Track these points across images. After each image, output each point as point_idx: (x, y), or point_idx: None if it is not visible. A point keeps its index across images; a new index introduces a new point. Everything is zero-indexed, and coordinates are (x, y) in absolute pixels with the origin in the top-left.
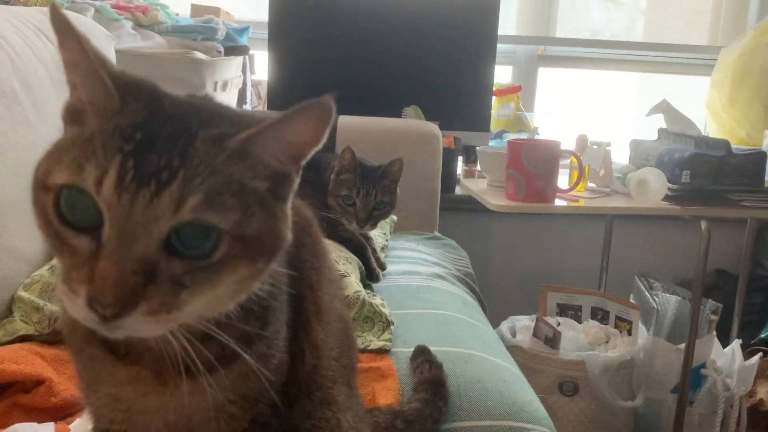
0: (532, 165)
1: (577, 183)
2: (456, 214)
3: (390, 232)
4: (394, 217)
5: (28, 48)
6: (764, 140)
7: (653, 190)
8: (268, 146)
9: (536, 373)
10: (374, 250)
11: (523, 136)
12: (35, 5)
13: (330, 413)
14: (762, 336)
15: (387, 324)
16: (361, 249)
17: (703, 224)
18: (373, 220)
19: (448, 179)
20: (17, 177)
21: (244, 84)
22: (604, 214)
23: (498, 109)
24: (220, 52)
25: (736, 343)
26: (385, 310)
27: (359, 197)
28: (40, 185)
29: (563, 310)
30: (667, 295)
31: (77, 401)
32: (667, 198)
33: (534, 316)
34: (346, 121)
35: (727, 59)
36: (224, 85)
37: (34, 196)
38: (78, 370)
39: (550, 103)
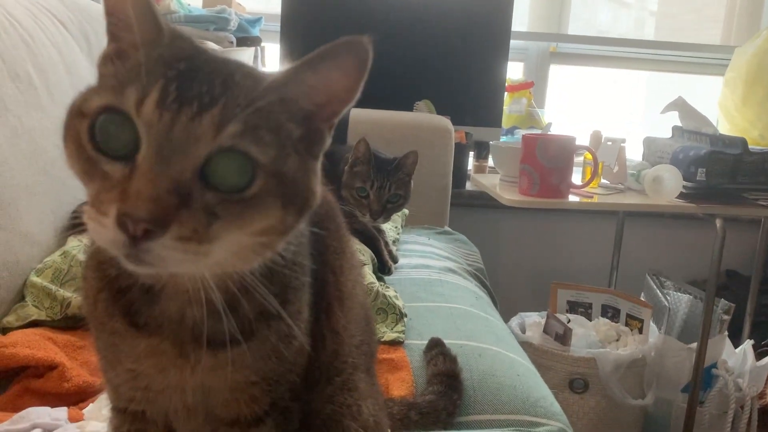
0: (546, 160)
1: (591, 179)
2: (466, 210)
3: (402, 226)
4: (405, 211)
5: (42, 33)
6: None
7: (668, 187)
8: (302, 86)
9: (546, 370)
10: (386, 243)
11: (535, 132)
12: None
13: (351, 399)
14: None
15: (400, 316)
16: (373, 241)
17: (718, 223)
18: (386, 212)
19: (459, 174)
20: (30, 161)
21: None
22: (615, 211)
23: (510, 105)
24: (232, 42)
25: (747, 344)
26: (399, 302)
27: (373, 189)
28: (76, 113)
29: (573, 308)
30: (679, 294)
31: (90, 386)
32: (681, 196)
33: (544, 313)
34: (357, 113)
35: (740, 59)
36: None
37: (68, 125)
38: (98, 347)
39: (561, 100)
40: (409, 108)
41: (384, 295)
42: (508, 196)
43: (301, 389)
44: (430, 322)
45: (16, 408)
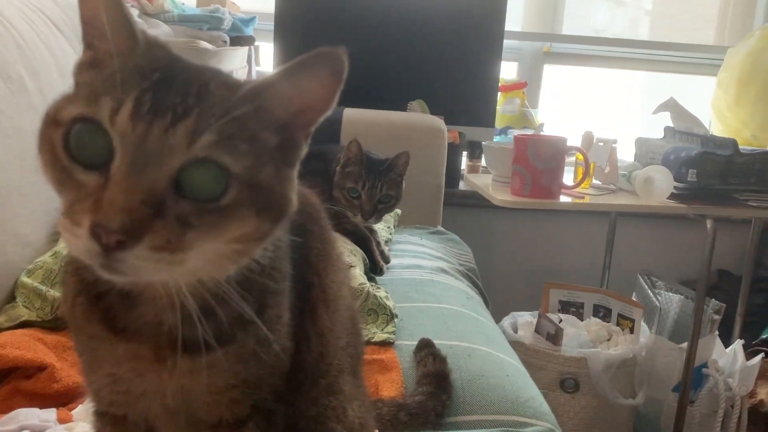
0: (538, 161)
1: (582, 180)
2: (459, 210)
3: (394, 226)
4: (398, 211)
5: (35, 33)
6: None
7: (659, 188)
8: (278, 96)
9: (537, 370)
10: (378, 243)
11: (528, 132)
12: None
13: (336, 401)
14: (764, 337)
15: (391, 316)
16: (365, 241)
17: (709, 223)
18: (378, 213)
19: (452, 174)
20: (22, 162)
21: (249, 75)
22: (607, 211)
23: (503, 105)
24: (225, 42)
25: (738, 344)
26: (389, 303)
27: (365, 190)
28: (51, 121)
29: (565, 307)
30: (670, 294)
31: (79, 387)
32: (672, 196)
33: (536, 313)
34: (351, 113)
35: (733, 59)
36: None
37: (42, 134)
38: (78, 350)
39: (554, 100)
40: (403, 108)
41: (375, 296)
42: (500, 196)
43: (284, 392)
44: (420, 323)
45: (5, 409)
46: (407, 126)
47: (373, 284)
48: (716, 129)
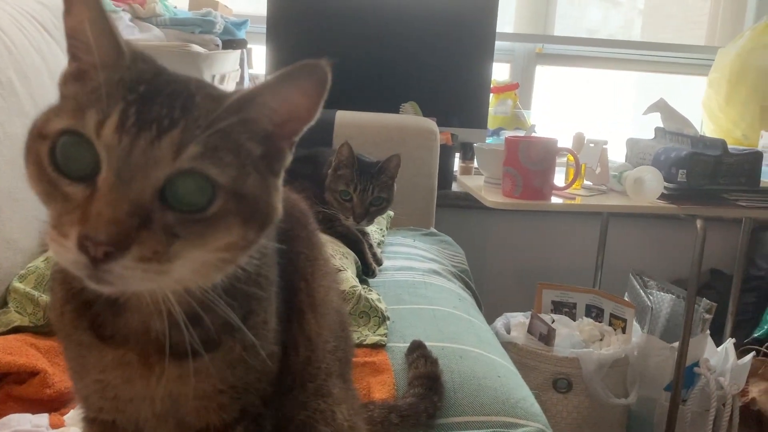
0: (529, 162)
1: (573, 181)
2: (452, 211)
3: (387, 228)
4: (390, 213)
5: (25, 38)
6: (760, 140)
7: (649, 188)
8: (263, 108)
9: (530, 370)
10: (371, 246)
11: (520, 133)
12: None
13: (324, 405)
14: (755, 335)
15: (383, 319)
16: (357, 244)
17: (699, 223)
18: (369, 215)
19: (445, 176)
20: (13, 168)
21: (242, 78)
22: (599, 212)
23: (495, 107)
24: (217, 45)
25: (729, 342)
26: (381, 305)
27: (356, 193)
28: (37, 134)
29: (558, 308)
30: (662, 293)
31: (71, 393)
32: (663, 197)
33: (529, 313)
34: (343, 116)
35: (724, 60)
36: (222, 79)
37: (29, 147)
38: (66, 357)
39: (547, 102)
40: (395, 110)
41: (367, 299)
42: (492, 198)
43: (273, 396)
44: (412, 325)
45: None
46: (399, 128)
47: (365, 287)
48: (708, 129)
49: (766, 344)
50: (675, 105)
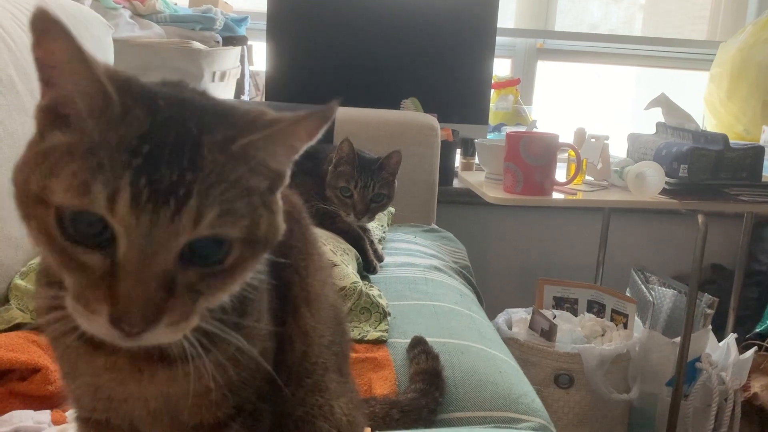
0: (530, 158)
1: (574, 176)
2: (454, 207)
3: (388, 224)
4: (392, 209)
5: (25, 35)
6: (762, 135)
7: (651, 183)
8: (271, 150)
9: (532, 366)
10: (372, 242)
11: (521, 129)
12: None
13: (322, 400)
14: (757, 330)
15: (384, 315)
16: (358, 240)
17: (700, 218)
18: (370, 212)
19: (446, 172)
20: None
21: (242, 75)
22: (601, 207)
23: (496, 102)
24: (218, 42)
25: (731, 337)
26: (382, 301)
27: (357, 189)
28: (34, 198)
29: (559, 303)
30: (663, 289)
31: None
32: (664, 192)
33: (530, 309)
34: (344, 112)
35: (725, 54)
36: (222, 76)
37: (24, 208)
38: (56, 357)
39: (548, 97)
40: (396, 106)
41: (368, 294)
42: (493, 193)
43: (269, 392)
44: (413, 321)
45: (0, 411)
46: (399, 124)
47: (367, 283)
48: (709, 124)
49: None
50: (676, 100)
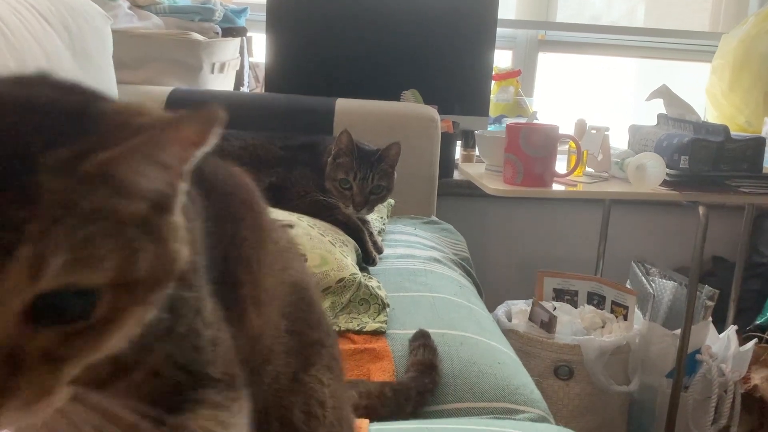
0: (530, 149)
1: (575, 168)
2: (454, 199)
3: (387, 216)
4: (391, 201)
5: (23, 25)
6: (763, 127)
7: (651, 175)
8: (140, 167)
9: (532, 357)
10: (371, 234)
11: (522, 120)
12: None
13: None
14: (758, 322)
15: (382, 306)
16: (357, 232)
17: (701, 210)
18: (369, 204)
19: (447, 164)
20: None
21: (242, 66)
22: (601, 199)
23: (497, 94)
24: (217, 33)
25: (731, 329)
26: (381, 293)
27: (356, 181)
28: None
29: (559, 295)
30: (664, 281)
31: None
32: (665, 183)
33: (530, 301)
34: (343, 104)
35: (727, 45)
36: (221, 67)
37: None
38: None
39: (549, 89)
40: (396, 98)
41: (367, 286)
42: (493, 185)
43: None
44: (412, 312)
45: None
46: (399, 115)
47: (366, 274)
48: (711, 115)
49: None
50: (678, 92)
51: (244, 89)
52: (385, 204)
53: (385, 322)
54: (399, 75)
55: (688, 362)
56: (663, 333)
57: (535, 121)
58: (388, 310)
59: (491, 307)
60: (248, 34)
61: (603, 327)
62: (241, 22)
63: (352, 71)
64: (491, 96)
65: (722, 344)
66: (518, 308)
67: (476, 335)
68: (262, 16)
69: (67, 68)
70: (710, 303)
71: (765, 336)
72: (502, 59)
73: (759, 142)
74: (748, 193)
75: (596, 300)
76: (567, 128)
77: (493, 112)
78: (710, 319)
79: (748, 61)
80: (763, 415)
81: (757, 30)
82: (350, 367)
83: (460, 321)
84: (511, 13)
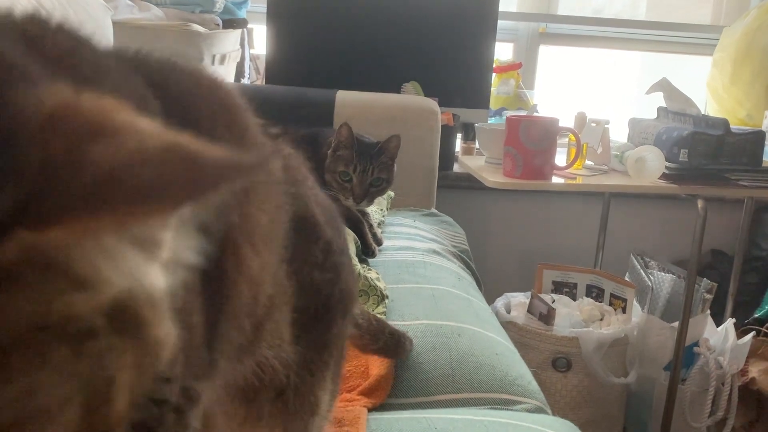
0: (529, 142)
1: (574, 160)
2: (454, 192)
3: (387, 208)
4: (391, 193)
5: None
6: (765, 120)
7: (651, 168)
8: (96, 252)
9: (530, 349)
10: (371, 226)
11: (523, 113)
12: None
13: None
14: (756, 315)
15: (382, 297)
16: (357, 224)
17: (700, 203)
18: (369, 196)
19: (447, 156)
20: None
21: (243, 58)
22: (601, 192)
23: (498, 87)
24: (218, 24)
25: (729, 322)
26: (380, 284)
27: (356, 173)
28: None
29: (558, 288)
30: (663, 273)
31: None
32: (664, 176)
33: (529, 293)
34: (344, 96)
35: (729, 39)
36: (222, 59)
37: None
38: None
39: (550, 81)
40: (397, 90)
41: (366, 277)
42: (493, 178)
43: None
44: (411, 303)
45: None
46: (400, 108)
47: (365, 266)
48: (712, 109)
49: (766, 324)
50: (679, 85)
51: (245, 81)
52: (384, 196)
53: (384, 313)
54: (399, 67)
55: (685, 355)
56: (661, 325)
57: (535, 114)
58: (387, 301)
59: (490, 299)
60: (249, 25)
61: (601, 319)
62: (242, 13)
63: (352, 63)
64: (492, 89)
65: (720, 337)
66: (517, 300)
67: (475, 327)
68: (263, 7)
69: None
70: (708, 296)
71: (763, 329)
72: (503, 52)
73: (759, 135)
74: (747, 186)
75: (595, 292)
76: (568, 122)
77: (493, 104)
78: (708, 312)
79: (750, 54)
80: (760, 407)
81: (759, 23)
82: (349, 356)
83: (458, 312)
84: (512, 6)
